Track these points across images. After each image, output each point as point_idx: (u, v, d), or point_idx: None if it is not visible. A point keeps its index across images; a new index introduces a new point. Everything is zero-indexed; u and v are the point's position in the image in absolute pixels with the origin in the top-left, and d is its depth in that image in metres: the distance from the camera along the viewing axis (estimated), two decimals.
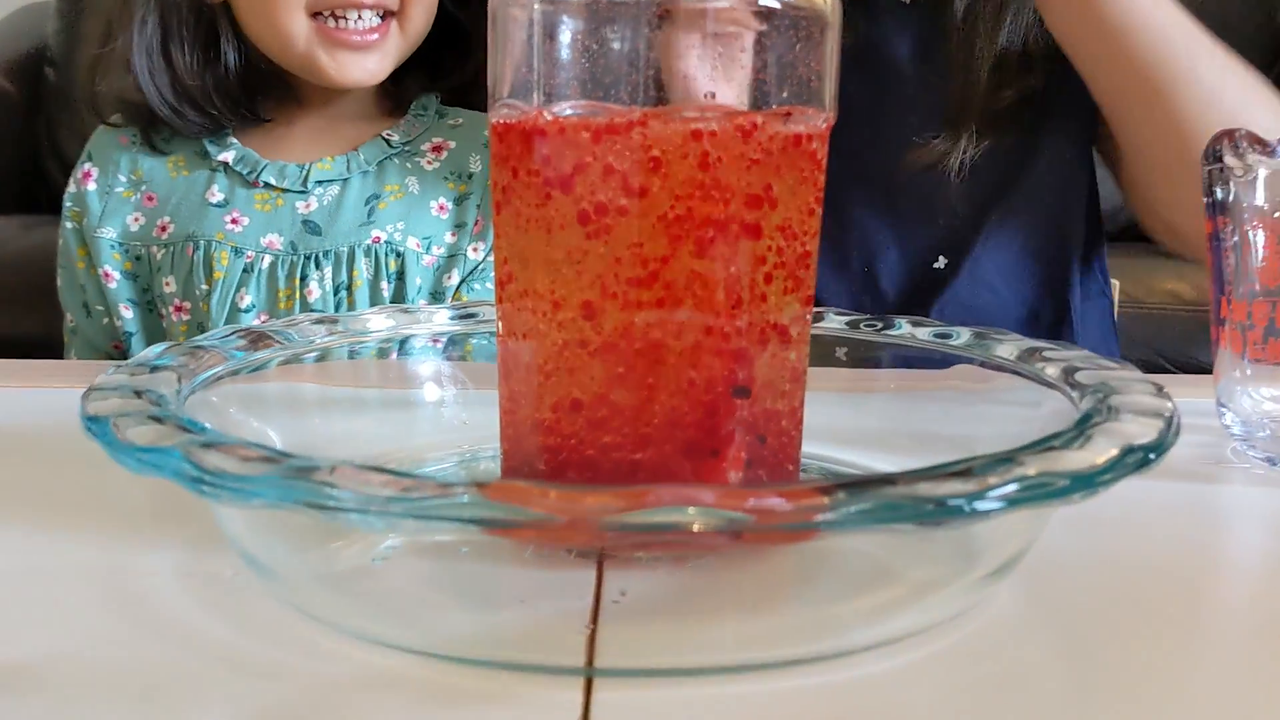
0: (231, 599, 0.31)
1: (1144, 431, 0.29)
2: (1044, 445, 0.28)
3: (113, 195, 0.85)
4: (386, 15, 0.79)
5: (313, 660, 0.28)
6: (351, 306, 0.80)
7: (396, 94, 0.86)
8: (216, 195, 0.83)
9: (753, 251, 0.33)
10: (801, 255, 0.34)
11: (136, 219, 0.84)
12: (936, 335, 0.45)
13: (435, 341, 0.45)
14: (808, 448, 0.37)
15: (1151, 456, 0.29)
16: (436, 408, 0.46)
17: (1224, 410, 0.47)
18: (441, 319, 0.45)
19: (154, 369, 0.35)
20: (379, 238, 0.81)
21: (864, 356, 0.45)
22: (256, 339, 0.40)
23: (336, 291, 0.80)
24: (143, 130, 0.85)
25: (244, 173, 0.83)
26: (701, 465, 0.33)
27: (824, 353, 0.44)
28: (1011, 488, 0.26)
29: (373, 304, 0.79)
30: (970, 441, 0.40)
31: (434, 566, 0.33)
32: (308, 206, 0.82)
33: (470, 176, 0.84)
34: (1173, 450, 0.30)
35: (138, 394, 0.32)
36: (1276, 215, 0.45)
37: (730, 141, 0.32)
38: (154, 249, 0.83)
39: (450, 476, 0.25)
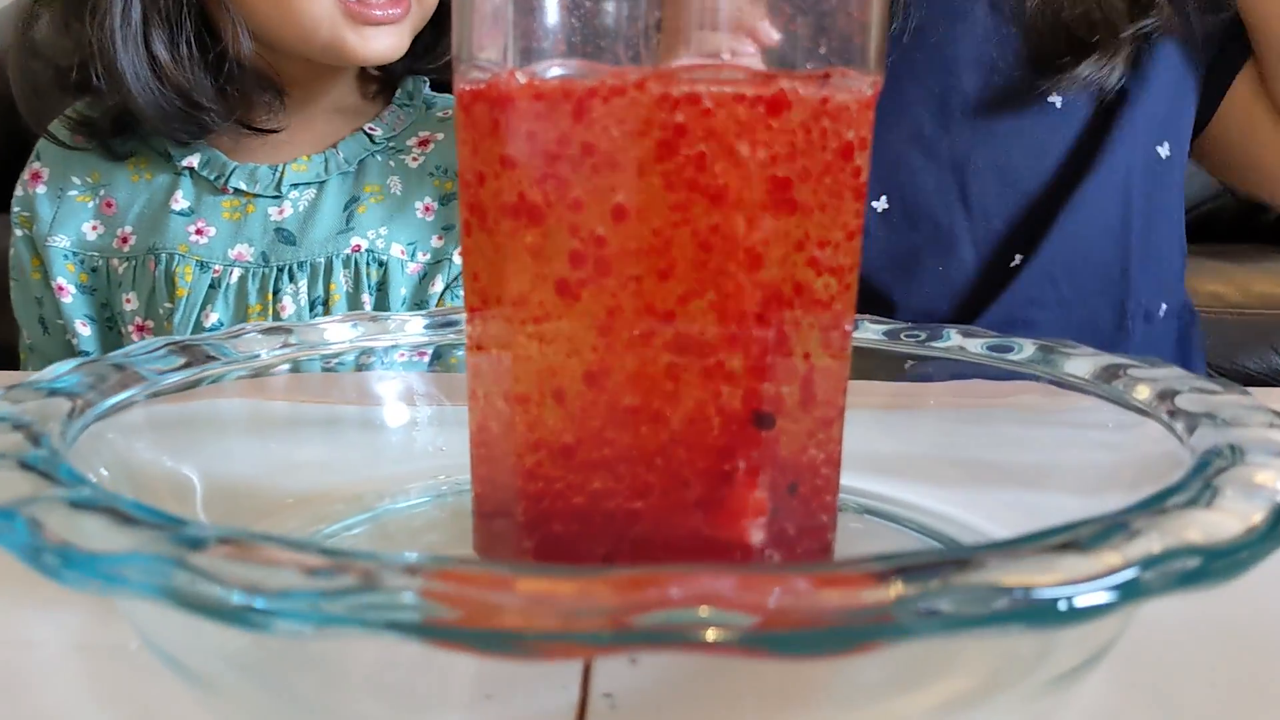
0: (136, 681, 0.25)
1: None
2: (1159, 503, 0.22)
3: (65, 199, 0.76)
4: None
5: None
6: None
7: (379, 76, 0.79)
8: (181, 203, 0.75)
9: (781, 247, 0.26)
10: (841, 251, 0.27)
11: (94, 227, 0.76)
12: (992, 348, 0.38)
13: (405, 355, 0.38)
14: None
15: None
16: (407, 431, 0.39)
17: None
18: (415, 328, 0.39)
19: (52, 392, 0.29)
20: (359, 246, 0.73)
21: (907, 373, 0.38)
22: (187, 354, 0.33)
23: (313, 306, 0.73)
24: (100, 140, 0.76)
25: (210, 178, 0.75)
26: (715, 516, 0.27)
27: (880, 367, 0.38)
28: (1129, 574, 0.19)
29: None
30: (1041, 476, 0.33)
31: (378, 648, 0.27)
32: (281, 213, 0.74)
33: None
34: None
35: (17, 427, 0.26)
36: None
37: (755, 111, 0.25)
38: (114, 261, 0.75)
39: (394, 558, 0.19)
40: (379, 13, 0.70)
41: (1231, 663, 0.27)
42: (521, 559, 0.28)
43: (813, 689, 0.25)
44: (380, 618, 0.18)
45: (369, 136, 0.77)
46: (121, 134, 0.76)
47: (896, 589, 0.18)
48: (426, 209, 0.75)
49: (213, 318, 0.73)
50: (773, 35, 0.26)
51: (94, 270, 0.76)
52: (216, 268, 0.73)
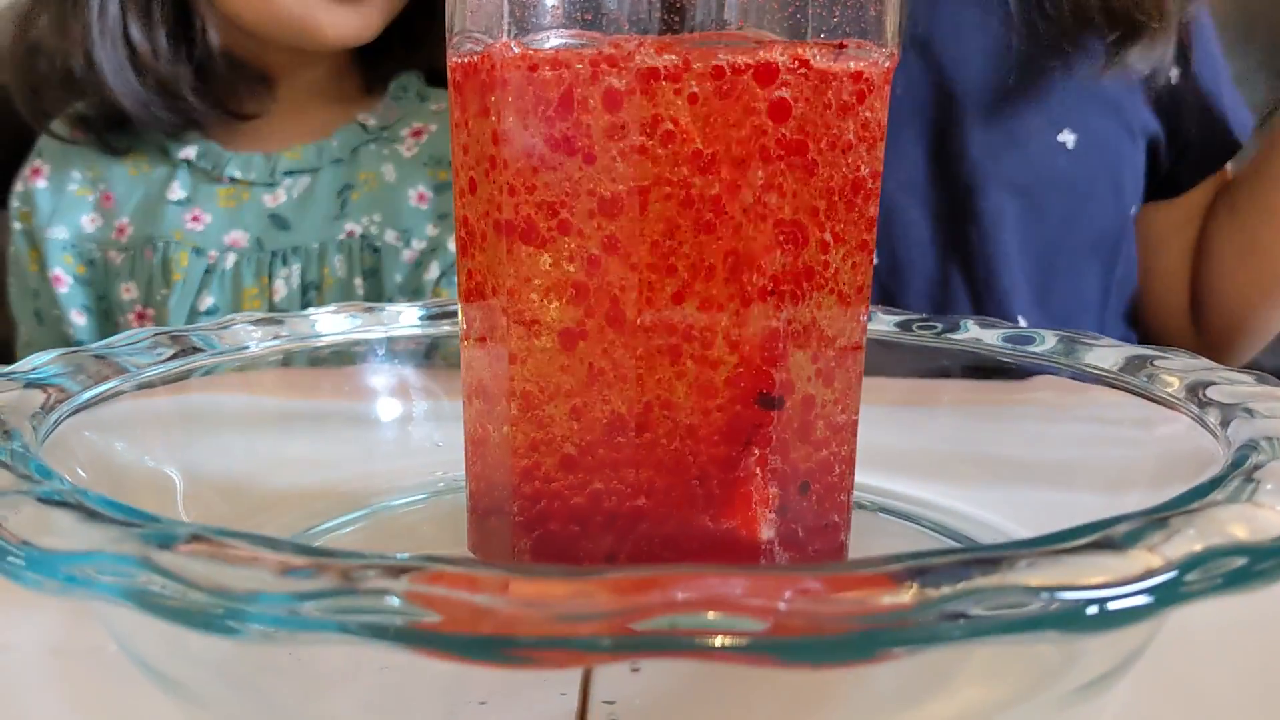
0: (113, 686, 0.24)
1: None
2: (1197, 499, 0.20)
3: (65, 194, 0.76)
4: None
5: None
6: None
7: (372, 68, 0.78)
8: (178, 193, 0.75)
9: (794, 226, 0.25)
10: (856, 230, 0.26)
11: (93, 220, 0.76)
12: (1010, 340, 0.36)
13: (400, 345, 0.37)
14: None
15: None
16: (403, 425, 0.38)
17: None
18: (409, 319, 0.37)
19: (29, 384, 0.28)
20: (353, 231, 0.73)
21: (922, 367, 0.37)
22: (173, 344, 0.32)
23: (305, 291, 0.72)
24: (97, 135, 0.76)
25: (207, 168, 0.75)
26: (723, 511, 0.26)
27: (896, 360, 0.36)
28: (1168, 575, 0.18)
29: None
30: (1064, 474, 0.32)
31: (363, 653, 0.25)
32: (275, 200, 0.74)
33: None
34: None
35: None
36: None
37: (766, 82, 0.24)
38: (112, 253, 0.75)
39: (377, 557, 0.18)
40: None
41: (1266, 669, 0.26)
42: (518, 559, 0.26)
43: (826, 698, 0.24)
44: (360, 622, 0.16)
45: (362, 126, 0.76)
46: (116, 130, 0.75)
47: (918, 592, 0.17)
48: (420, 197, 0.74)
49: (208, 302, 0.72)
50: None
51: (91, 262, 0.76)
52: (212, 253, 0.72)
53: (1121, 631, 0.23)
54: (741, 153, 0.24)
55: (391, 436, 0.38)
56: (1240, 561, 0.18)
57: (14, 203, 0.78)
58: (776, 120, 0.24)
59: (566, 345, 0.25)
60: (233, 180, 0.74)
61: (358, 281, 0.72)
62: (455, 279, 0.70)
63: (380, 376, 0.37)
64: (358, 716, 0.23)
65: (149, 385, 0.30)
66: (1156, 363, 0.32)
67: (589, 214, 0.24)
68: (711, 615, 0.16)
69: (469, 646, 0.16)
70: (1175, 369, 0.31)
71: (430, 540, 0.32)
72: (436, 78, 0.81)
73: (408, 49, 0.78)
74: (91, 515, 0.19)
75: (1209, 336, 0.76)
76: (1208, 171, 0.72)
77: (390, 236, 0.73)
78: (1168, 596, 0.17)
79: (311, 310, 0.36)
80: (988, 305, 0.68)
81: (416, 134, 0.77)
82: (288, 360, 0.34)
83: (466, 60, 0.25)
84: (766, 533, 0.26)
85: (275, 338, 0.35)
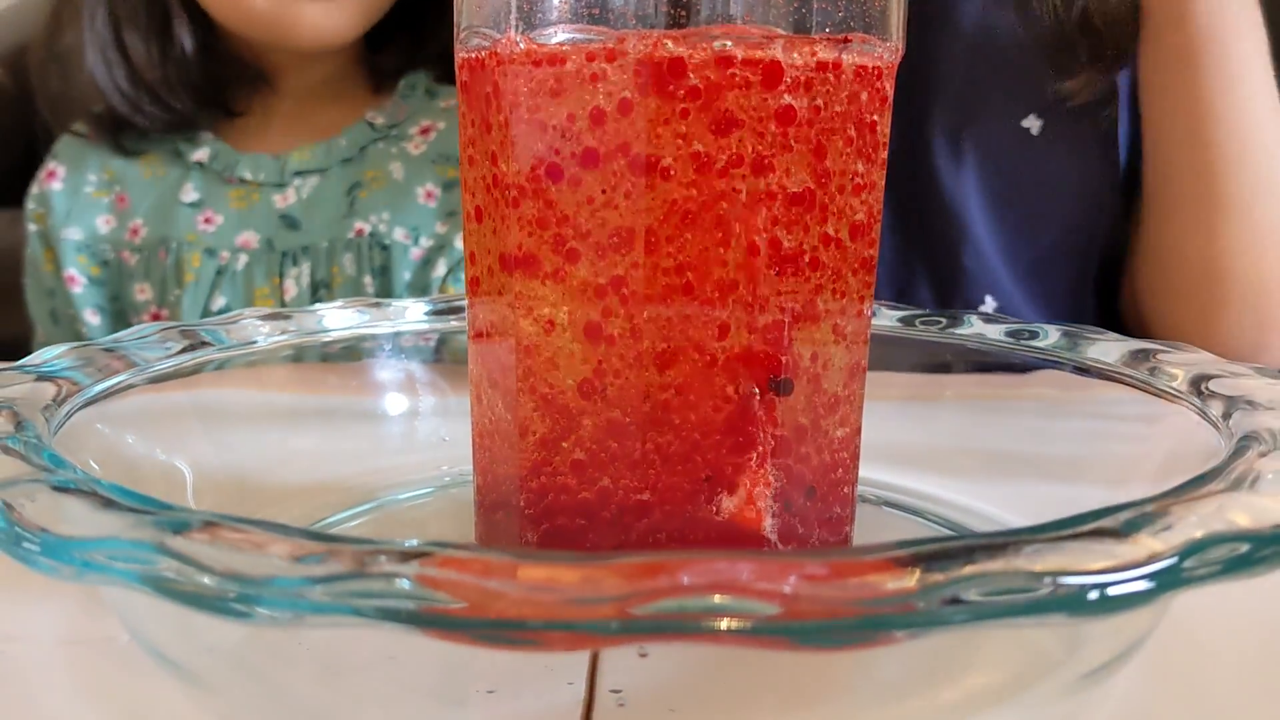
0: (125, 676, 0.24)
1: None
2: (1198, 487, 0.21)
3: (81, 195, 0.77)
4: None
5: None
6: None
7: (379, 68, 0.79)
8: (191, 195, 0.76)
9: (800, 218, 0.25)
10: (861, 225, 0.26)
11: (107, 221, 0.77)
12: (1012, 334, 0.37)
13: (408, 341, 0.37)
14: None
15: None
16: (410, 420, 0.38)
17: None
18: (416, 314, 0.38)
19: (40, 377, 0.28)
20: (361, 230, 0.73)
21: (926, 362, 0.37)
22: (182, 339, 0.32)
23: (315, 290, 0.73)
24: (112, 136, 0.77)
25: (219, 170, 0.76)
26: (728, 503, 0.26)
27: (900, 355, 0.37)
28: (1169, 560, 0.18)
29: None
30: (1067, 468, 0.32)
31: (372, 638, 0.25)
32: (285, 200, 0.75)
33: None
34: None
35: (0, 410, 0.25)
36: None
37: (772, 77, 0.24)
38: (126, 254, 0.76)
39: (388, 543, 0.18)
40: None
41: (1267, 659, 0.26)
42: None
43: (832, 685, 0.24)
44: (372, 605, 0.16)
45: (371, 125, 0.77)
46: (126, 132, 0.77)
47: (922, 576, 0.17)
48: (429, 195, 0.75)
49: (220, 302, 0.73)
50: None
51: (105, 263, 0.77)
52: (224, 254, 0.73)
53: (1123, 619, 0.23)
54: (748, 146, 0.24)
55: (398, 431, 0.38)
56: (1241, 548, 0.18)
57: (30, 204, 0.79)
58: (782, 114, 0.24)
59: (574, 339, 0.25)
60: (243, 181, 0.75)
61: (367, 279, 0.73)
62: (461, 276, 0.71)
63: (387, 371, 0.38)
64: (366, 705, 0.24)
65: (159, 379, 0.30)
66: (1159, 356, 0.32)
67: (595, 207, 0.24)
68: (718, 599, 0.16)
69: (479, 629, 0.16)
70: (1178, 363, 0.31)
71: (437, 533, 0.33)
72: (445, 75, 0.81)
73: (416, 47, 0.78)
74: (106, 503, 0.19)
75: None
76: None
77: (399, 234, 0.73)
78: (1168, 582, 0.18)
79: (319, 305, 0.36)
80: (951, 294, 0.69)
81: (425, 132, 0.77)
82: (296, 355, 0.34)
83: (474, 55, 0.25)
84: (771, 527, 0.26)
85: (283, 333, 0.35)
